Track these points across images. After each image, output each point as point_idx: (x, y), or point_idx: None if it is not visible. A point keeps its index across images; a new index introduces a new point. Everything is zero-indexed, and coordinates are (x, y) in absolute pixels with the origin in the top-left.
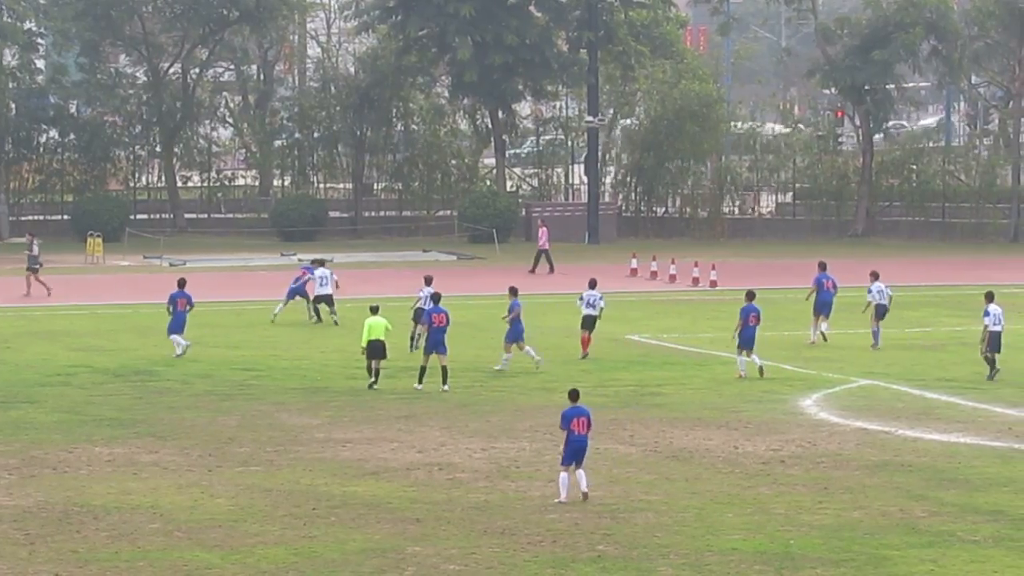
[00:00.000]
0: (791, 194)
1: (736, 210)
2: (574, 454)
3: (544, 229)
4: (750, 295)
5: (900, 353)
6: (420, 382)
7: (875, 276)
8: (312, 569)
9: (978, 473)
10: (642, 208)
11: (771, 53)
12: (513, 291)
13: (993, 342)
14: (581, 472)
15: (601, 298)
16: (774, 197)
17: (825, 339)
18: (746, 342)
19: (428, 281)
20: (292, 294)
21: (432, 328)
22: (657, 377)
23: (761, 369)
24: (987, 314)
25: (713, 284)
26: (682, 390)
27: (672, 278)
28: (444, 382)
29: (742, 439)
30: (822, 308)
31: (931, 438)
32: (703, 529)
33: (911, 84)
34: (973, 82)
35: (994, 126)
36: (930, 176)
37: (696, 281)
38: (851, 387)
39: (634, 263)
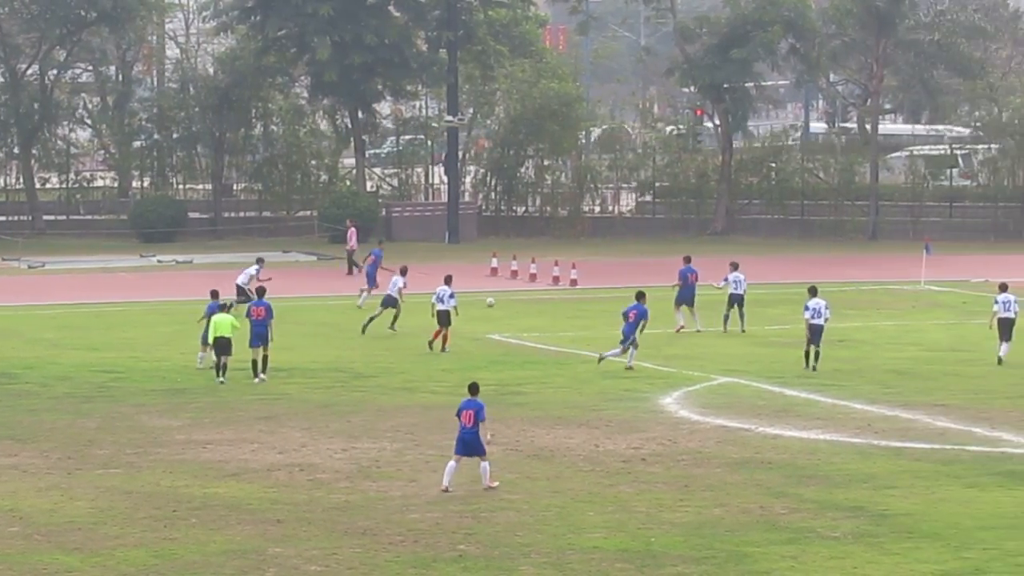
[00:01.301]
0: (651, 193)
1: (596, 209)
2: (460, 445)
3: (353, 230)
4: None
5: (760, 350)
6: (256, 375)
7: (734, 266)
8: (173, 571)
9: (838, 469)
10: (502, 207)
11: (630, 52)
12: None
13: (812, 334)
14: (484, 465)
15: (452, 296)
16: (634, 196)
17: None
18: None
19: (403, 271)
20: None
21: (252, 321)
22: (518, 376)
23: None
24: (807, 308)
25: (573, 283)
26: (543, 389)
27: (532, 277)
28: (262, 371)
29: (603, 438)
30: (685, 300)
31: (791, 435)
32: (565, 528)
33: (770, 82)
34: (831, 80)
35: (852, 124)
36: (789, 174)
37: (556, 280)
38: (712, 385)
39: (494, 262)
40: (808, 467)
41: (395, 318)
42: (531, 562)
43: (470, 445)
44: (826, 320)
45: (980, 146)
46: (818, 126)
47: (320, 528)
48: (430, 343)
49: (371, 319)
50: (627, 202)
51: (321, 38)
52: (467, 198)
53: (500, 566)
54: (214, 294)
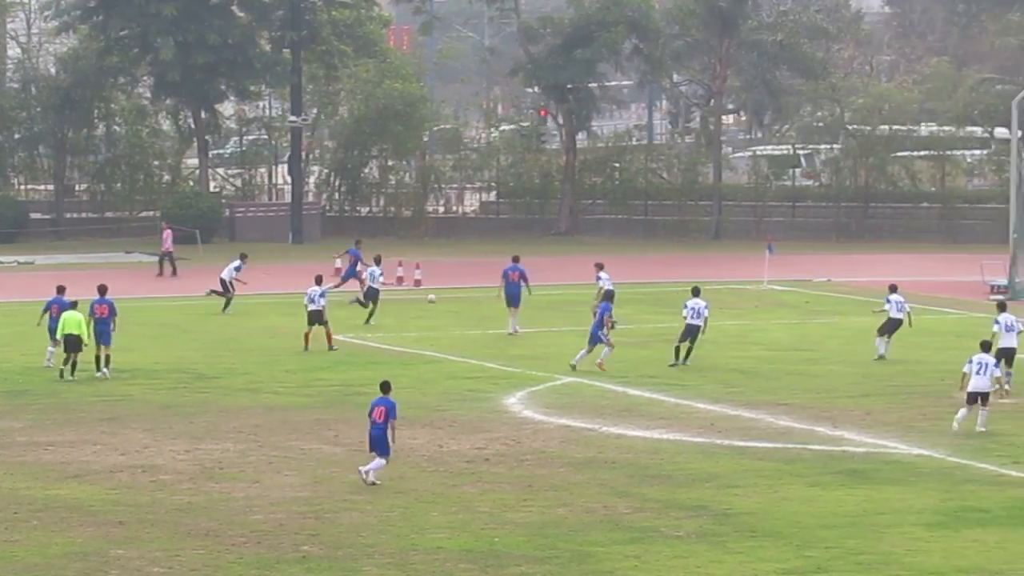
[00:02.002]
0: (495, 193)
1: (440, 209)
2: (371, 441)
3: (168, 232)
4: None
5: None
6: (99, 369)
7: (600, 267)
8: (13, 574)
9: (681, 469)
10: (346, 208)
11: (474, 52)
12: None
13: (686, 333)
14: (380, 462)
15: (323, 294)
16: (478, 196)
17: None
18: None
19: (378, 260)
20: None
21: (95, 319)
22: (362, 377)
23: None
24: (685, 306)
25: (418, 283)
26: None
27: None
28: (105, 366)
29: (447, 438)
30: (509, 300)
31: (634, 435)
32: (408, 528)
33: (614, 83)
34: (675, 80)
35: (696, 124)
36: (633, 174)
37: (401, 280)
38: (555, 384)
39: (338, 263)
40: (651, 466)
41: (371, 314)
42: (375, 563)
43: (378, 441)
44: (704, 320)
45: (823, 146)
46: (661, 126)
47: (163, 530)
48: (305, 345)
49: (370, 313)
50: (471, 202)
51: (164, 38)
52: (311, 198)
53: (344, 567)
54: (60, 289)
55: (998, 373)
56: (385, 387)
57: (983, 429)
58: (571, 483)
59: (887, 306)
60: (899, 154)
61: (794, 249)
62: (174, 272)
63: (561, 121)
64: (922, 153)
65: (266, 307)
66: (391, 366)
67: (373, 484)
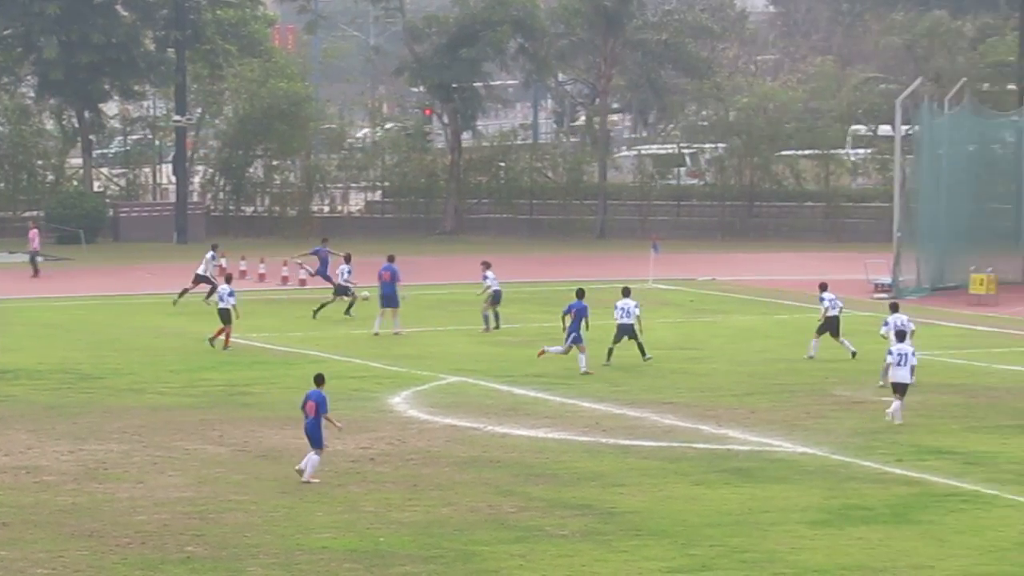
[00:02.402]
0: (380, 192)
1: (326, 208)
2: (306, 436)
3: (35, 231)
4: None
5: (489, 349)
6: None
7: (487, 266)
8: None
9: (566, 468)
10: (231, 207)
11: (360, 52)
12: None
13: (619, 334)
14: (314, 458)
15: (231, 293)
16: (363, 195)
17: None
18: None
19: (348, 259)
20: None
21: None
22: (247, 377)
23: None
24: (616, 308)
25: (302, 283)
26: (272, 389)
27: (261, 277)
28: None
29: (332, 438)
30: (384, 301)
31: (520, 434)
32: (293, 528)
33: (499, 82)
34: (560, 80)
35: (581, 123)
36: (518, 173)
37: (286, 280)
38: (440, 384)
39: (223, 262)
40: (536, 465)
41: (350, 305)
42: (259, 563)
43: (311, 435)
44: (636, 318)
45: (707, 145)
46: (546, 125)
47: (46, 531)
48: (211, 340)
49: (349, 307)
50: (356, 202)
51: (48, 37)
52: (195, 198)
53: (228, 567)
54: None
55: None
56: (318, 380)
57: (897, 420)
58: (456, 482)
59: (824, 304)
60: (784, 153)
61: (679, 248)
62: (35, 273)
63: (446, 120)
64: (806, 152)
65: (150, 307)
66: (276, 366)
67: (312, 482)
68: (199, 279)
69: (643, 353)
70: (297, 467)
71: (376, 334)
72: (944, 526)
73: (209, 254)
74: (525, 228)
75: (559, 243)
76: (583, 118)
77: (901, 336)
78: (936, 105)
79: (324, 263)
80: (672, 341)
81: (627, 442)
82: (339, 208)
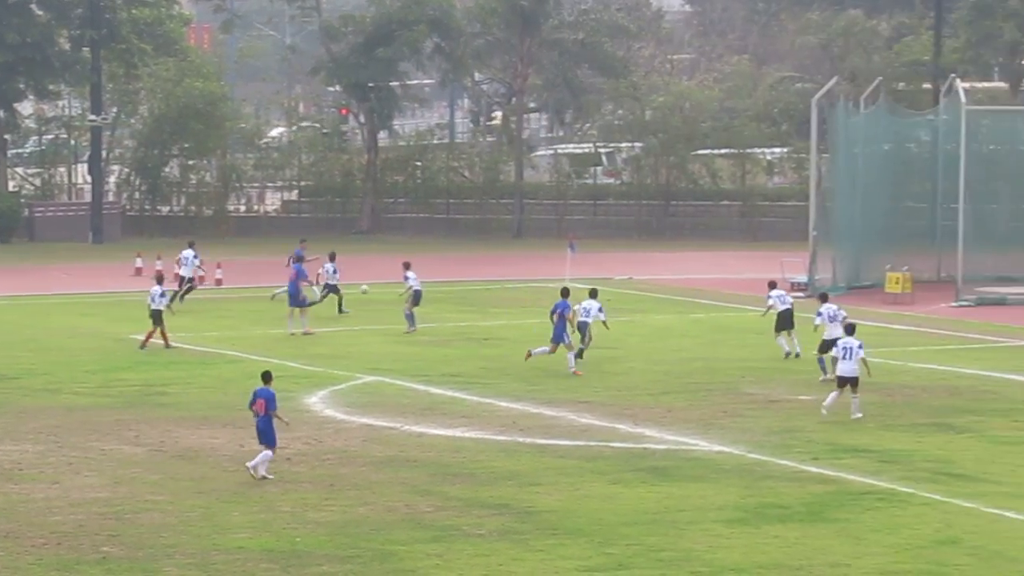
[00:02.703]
0: (297, 192)
1: (242, 208)
2: (257, 433)
3: None
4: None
5: (406, 349)
6: None
7: (407, 266)
8: None
9: (483, 467)
10: (147, 207)
11: (275, 51)
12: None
13: (580, 332)
14: (267, 454)
15: (163, 294)
16: (280, 195)
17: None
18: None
19: (332, 257)
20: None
21: None
22: (163, 377)
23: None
24: (579, 306)
25: (219, 283)
26: (188, 389)
27: (177, 277)
28: None
29: (248, 438)
30: (290, 300)
31: (436, 433)
32: (209, 528)
33: (415, 81)
34: (476, 79)
35: (498, 123)
36: (435, 173)
37: (202, 280)
38: (357, 383)
39: (139, 262)
40: (453, 465)
41: (340, 301)
42: (175, 563)
43: (263, 433)
44: (595, 320)
45: (624, 144)
46: (463, 125)
47: None
48: (165, 343)
49: (339, 307)
50: (273, 201)
51: None
52: (111, 198)
53: (144, 567)
54: None
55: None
56: (266, 377)
57: (858, 415)
58: (373, 482)
59: (770, 301)
60: (700, 152)
61: (596, 247)
62: None
63: (363, 120)
64: (723, 151)
65: (66, 307)
66: (192, 366)
67: (267, 477)
68: (184, 281)
69: (579, 355)
70: (258, 472)
71: (292, 334)
72: (860, 524)
73: (188, 252)
74: (442, 227)
75: (476, 242)
76: (499, 117)
77: (850, 329)
78: (852, 104)
79: (299, 263)
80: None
81: (544, 441)
82: (255, 208)
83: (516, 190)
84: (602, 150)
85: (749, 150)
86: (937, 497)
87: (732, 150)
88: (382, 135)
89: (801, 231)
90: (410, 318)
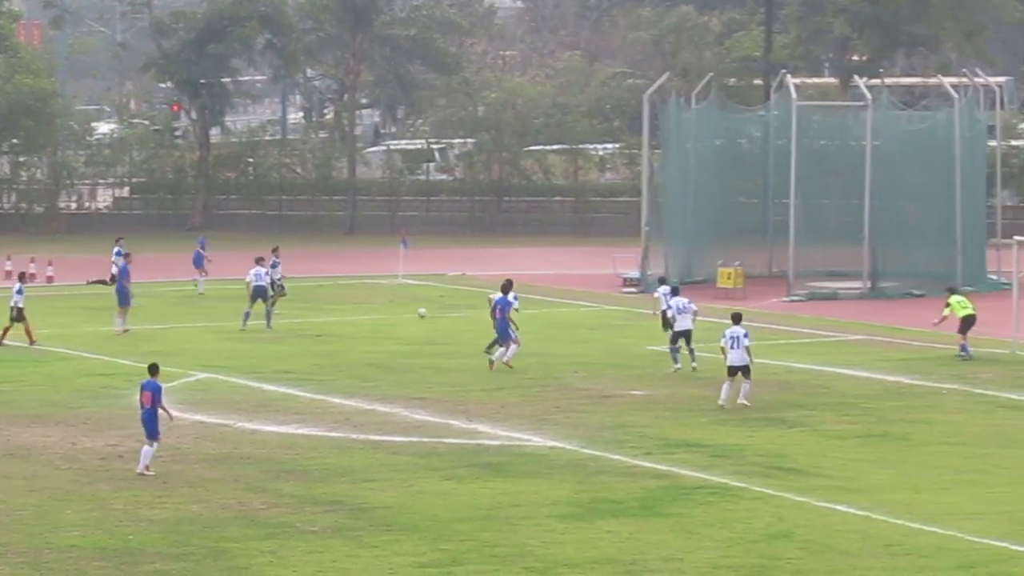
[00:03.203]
0: (128, 188)
1: (73, 205)
2: (143, 426)
3: None
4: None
5: (239, 346)
6: None
7: (260, 260)
8: None
9: (316, 464)
10: None
11: (106, 47)
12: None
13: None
14: (147, 450)
15: (19, 291)
16: (111, 192)
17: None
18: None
19: (259, 261)
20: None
21: None
22: None
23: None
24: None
25: (50, 280)
26: (20, 387)
27: (8, 275)
28: None
29: (80, 435)
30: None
31: (270, 430)
32: (42, 527)
33: (247, 77)
34: (308, 75)
35: (330, 119)
36: (267, 169)
37: (33, 277)
38: (190, 381)
39: (9, 265)
40: (287, 462)
41: (273, 303)
42: (7, 562)
43: (148, 425)
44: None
45: (456, 140)
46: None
47: None
48: (29, 340)
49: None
50: (104, 198)
51: None
52: None
53: None
54: None
55: (748, 343)
56: (152, 370)
57: (746, 402)
58: (206, 479)
59: (657, 295)
60: (532, 148)
61: (429, 243)
62: None
63: (194, 116)
64: (555, 147)
65: None
66: (24, 364)
67: (147, 474)
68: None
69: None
70: (139, 470)
71: (125, 331)
72: (693, 518)
73: (115, 249)
74: (274, 224)
75: (309, 239)
76: (332, 113)
77: (737, 319)
78: (683, 100)
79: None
80: (422, 336)
81: (377, 438)
82: (87, 205)
83: (349, 186)
84: (435, 146)
85: (581, 146)
86: (769, 491)
87: (564, 146)
88: (214, 131)
89: (633, 227)
90: (268, 315)
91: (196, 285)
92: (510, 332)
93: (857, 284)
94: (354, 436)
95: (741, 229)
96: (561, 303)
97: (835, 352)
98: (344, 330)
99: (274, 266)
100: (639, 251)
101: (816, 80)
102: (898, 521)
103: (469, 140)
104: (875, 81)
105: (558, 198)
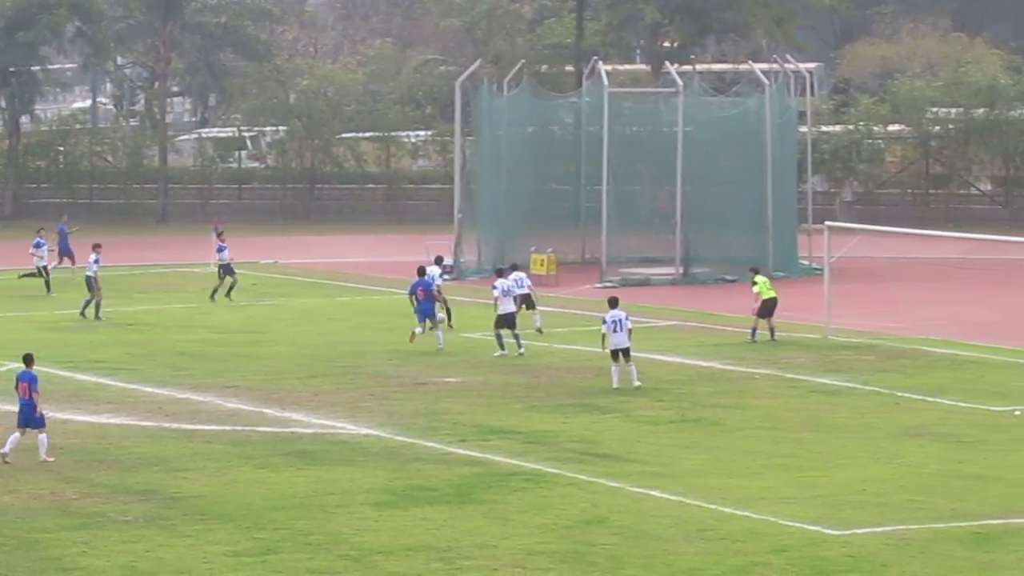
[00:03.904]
0: None
1: None
2: (21, 417)
3: None
4: None
5: (50, 335)
6: None
7: (96, 248)
8: None
9: (129, 453)
10: None
11: None
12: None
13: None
14: (42, 438)
15: None
16: None
17: None
18: None
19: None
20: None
21: None
22: None
23: None
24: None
25: None
26: None
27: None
28: None
29: None
30: None
31: (82, 419)
32: None
33: (57, 66)
34: (119, 63)
35: (141, 107)
36: (77, 158)
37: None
38: (0, 371)
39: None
40: (99, 451)
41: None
42: None
43: (28, 416)
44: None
45: (268, 128)
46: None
47: None
48: None
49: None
50: None
51: None
52: None
53: None
54: None
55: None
56: (28, 360)
57: (638, 383)
58: (17, 470)
59: (494, 293)
60: (345, 135)
61: (241, 231)
62: None
63: (3, 105)
64: (367, 134)
65: None
66: None
67: (49, 460)
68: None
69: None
70: (42, 458)
71: None
72: (507, 505)
73: (36, 240)
74: (85, 213)
75: (120, 227)
76: (143, 102)
77: (614, 303)
78: (496, 87)
79: (65, 239)
80: (235, 325)
81: (191, 426)
82: None
83: (160, 175)
84: (246, 134)
85: (394, 133)
86: (583, 477)
87: (377, 133)
88: (24, 120)
89: (446, 214)
90: (94, 304)
91: (71, 273)
92: (434, 313)
93: (669, 270)
94: (167, 425)
95: (554, 216)
96: (374, 291)
97: (648, 338)
98: (157, 319)
99: (220, 250)
100: (452, 238)
101: (628, 67)
102: (711, 506)
103: (281, 128)
104: (686, 68)
105: (371, 186)
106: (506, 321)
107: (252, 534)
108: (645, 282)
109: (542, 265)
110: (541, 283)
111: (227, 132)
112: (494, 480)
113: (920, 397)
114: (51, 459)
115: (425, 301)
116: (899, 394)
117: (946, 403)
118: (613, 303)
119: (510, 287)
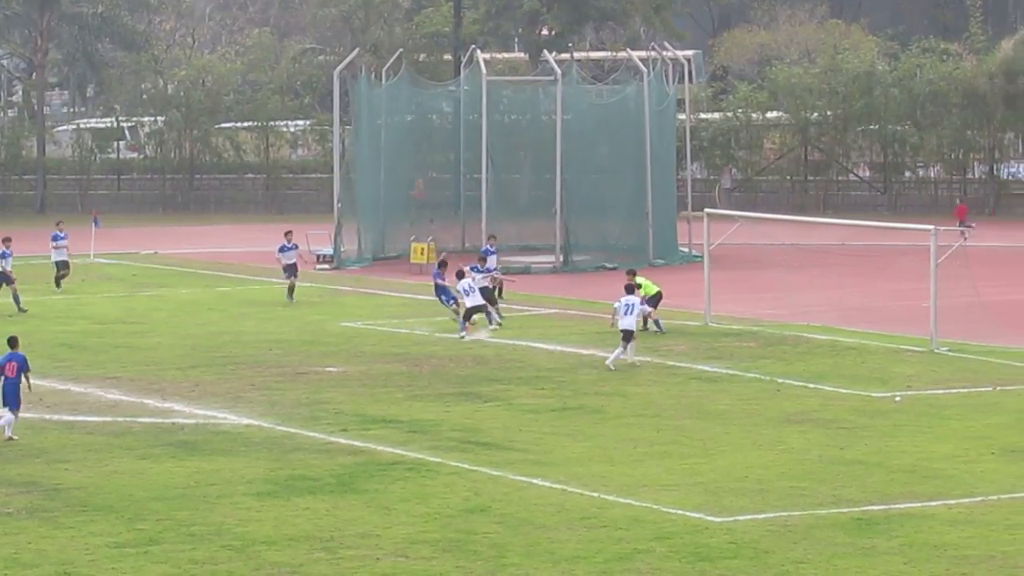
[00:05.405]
0: None
1: None
2: (6, 396)
3: None
4: None
5: None
6: None
7: (6, 241)
8: None
9: (9, 445)
10: None
11: None
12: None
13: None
14: (10, 418)
15: None
16: None
17: None
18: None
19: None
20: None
21: None
22: None
23: None
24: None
25: None
26: None
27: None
28: None
29: None
30: None
31: None
32: None
33: None
34: None
35: (18, 98)
36: None
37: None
38: None
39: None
40: None
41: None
42: None
43: (9, 396)
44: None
45: (147, 118)
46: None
47: None
48: None
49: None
50: None
51: None
52: None
53: None
54: None
55: (648, 310)
56: (13, 342)
57: (634, 359)
58: None
59: (460, 287)
60: (223, 125)
61: (120, 222)
62: None
63: None
64: (246, 124)
65: None
66: None
67: (13, 439)
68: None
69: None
70: (6, 436)
71: None
72: (390, 494)
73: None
74: None
75: None
76: (20, 93)
77: (631, 289)
78: (374, 76)
79: None
80: (115, 315)
81: (71, 418)
82: None
83: (38, 165)
84: (125, 124)
85: (272, 123)
86: (465, 466)
87: (255, 123)
88: None
89: (326, 203)
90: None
91: None
92: (451, 299)
93: (550, 258)
94: (48, 416)
95: (434, 204)
96: (254, 280)
97: (529, 326)
98: (35, 310)
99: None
100: (332, 227)
101: (506, 55)
102: (593, 494)
103: (159, 118)
104: (564, 56)
105: (250, 175)
106: (478, 309)
107: (134, 525)
108: (525, 270)
109: (422, 254)
110: (421, 272)
111: (105, 123)
112: (376, 469)
113: (801, 383)
114: (16, 437)
115: (440, 291)
116: (780, 380)
117: (827, 389)
118: (629, 290)
119: (472, 285)
